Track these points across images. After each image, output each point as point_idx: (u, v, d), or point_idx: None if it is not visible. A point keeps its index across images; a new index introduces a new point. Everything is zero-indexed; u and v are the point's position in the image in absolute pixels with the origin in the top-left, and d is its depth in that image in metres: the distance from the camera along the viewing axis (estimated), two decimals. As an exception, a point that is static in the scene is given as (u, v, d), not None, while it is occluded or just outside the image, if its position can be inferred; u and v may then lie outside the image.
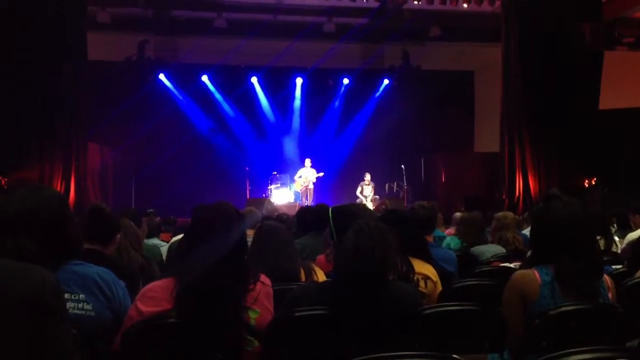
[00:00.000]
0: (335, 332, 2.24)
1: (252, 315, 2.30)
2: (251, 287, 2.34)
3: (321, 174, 14.56)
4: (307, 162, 14.66)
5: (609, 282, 2.61)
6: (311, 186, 14.51)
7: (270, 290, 2.44)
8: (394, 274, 2.58)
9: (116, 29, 13.98)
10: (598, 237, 4.59)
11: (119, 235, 3.17)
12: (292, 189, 14.85)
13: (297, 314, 2.28)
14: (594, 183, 12.35)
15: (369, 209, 6.67)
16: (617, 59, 12.98)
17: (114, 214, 3.19)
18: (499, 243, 4.90)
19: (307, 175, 14.53)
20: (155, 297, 2.26)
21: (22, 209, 2.01)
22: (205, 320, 2.18)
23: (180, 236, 4.44)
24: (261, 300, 2.35)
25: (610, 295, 2.57)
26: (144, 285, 2.44)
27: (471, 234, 5.35)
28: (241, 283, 2.32)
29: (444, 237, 5.99)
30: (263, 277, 2.44)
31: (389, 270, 2.36)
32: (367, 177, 14.60)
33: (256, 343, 2.28)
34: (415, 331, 2.40)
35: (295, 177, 14.72)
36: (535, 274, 2.53)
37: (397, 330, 2.28)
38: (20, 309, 1.48)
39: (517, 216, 6.92)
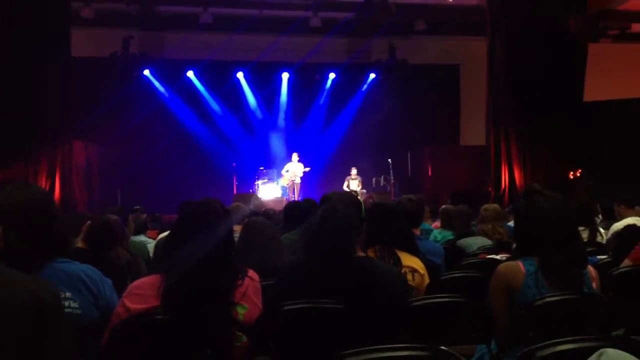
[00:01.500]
0: (327, 325, 2.25)
1: (240, 310, 2.30)
2: (239, 282, 2.34)
3: (308, 169, 14.56)
4: (294, 156, 14.66)
5: (592, 273, 2.64)
6: (298, 180, 14.51)
7: (258, 285, 2.45)
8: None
9: (100, 25, 13.86)
10: (582, 228, 4.64)
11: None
12: (279, 184, 14.85)
13: (285, 308, 2.28)
14: (579, 175, 12.44)
15: (348, 194, 6.69)
16: (601, 51, 13.07)
17: (121, 226, 3.20)
18: (484, 235, 4.92)
19: (294, 169, 14.53)
20: (142, 294, 2.25)
21: (8, 206, 2.01)
22: (193, 316, 2.17)
23: (167, 233, 4.42)
24: (249, 296, 2.35)
25: (594, 285, 2.60)
26: (131, 282, 2.43)
27: (455, 226, 5.39)
28: (229, 279, 2.32)
29: (431, 230, 6.01)
30: (251, 273, 2.44)
31: (343, 242, 2.41)
32: (354, 171, 14.63)
33: (244, 338, 2.28)
34: (406, 322, 2.42)
35: (283, 172, 14.71)
36: (519, 265, 2.55)
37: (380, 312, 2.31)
38: (23, 316, 1.44)
39: (502, 208, 6.97)
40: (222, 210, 2.45)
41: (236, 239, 3.51)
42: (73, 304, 2.10)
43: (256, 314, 2.33)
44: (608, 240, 5.00)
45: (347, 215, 2.45)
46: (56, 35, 11.64)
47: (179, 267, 2.24)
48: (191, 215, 2.43)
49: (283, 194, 14.57)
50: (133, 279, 2.51)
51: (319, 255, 2.38)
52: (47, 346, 1.47)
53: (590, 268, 2.65)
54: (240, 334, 2.28)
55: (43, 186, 10.56)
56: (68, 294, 2.10)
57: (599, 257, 4.00)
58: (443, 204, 7.91)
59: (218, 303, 2.24)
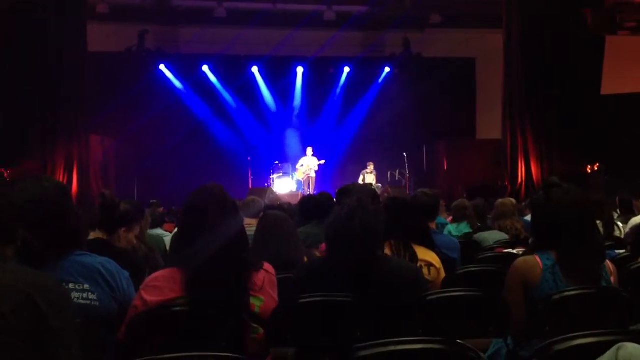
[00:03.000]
0: (342, 318, 2.26)
1: (257, 303, 2.30)
2: (255, 275, 2.35)
3: (322, 162, 14.55)
4: (309, 150, 14.66)
5: (611, 267, 2.61)
6: (313, 174, 14.51)
7: (274, 278, 2.45)
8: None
9: (116, 20, 13.95)
10: (597, 222, 4.60)
11: (123, 230, 3.17)
12: (294, 178, 14.87)
13: (301, 301, 2.29)
14: (596, 169, 12.33)
15: (368, 187, 6.67)
16: (618, 44, 12.92)
17: (124, 206, 3.21)
18: (500, 230, 4.90)
19: (308, 163, 14.53)
20: (159, 286, 2.26)
21: (25, 199, 2.05)
22: (214, 308, 2.18)
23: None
24: (266, 289, 2.36)
25: (612, 279, 2.57)
26: (149, 275, 2.45)
27: (467, 220, 5.39)
28: (243, 270, 2.32)
29: (447, 224, 6.00)
30: (267, 266, 2.45)
31: (372, 238, 2.40)
32: (370, 166, 14.58)
33: (260, 330, 2.29)
34: (422, 316, 2.43)
35: (297, 166, 14.73)
36: (537, 259, 2.53)
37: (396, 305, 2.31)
38: (10, 317, 1.33)
39: (519, 203, 6.93)
40: (222, 192, 2.43)
41: (251, 233, 3.53)
42: (92, 296, 2.12)
43: (272, 306, 2.34)
44: (626, 235, 4.95)
45: (376, 210, 2.45)
46: (72, 31, 11.73)
47: (195, 259, 2.24)
48: (195, 203, 2.42)
49: (298, 188, 14.59)
50: (151, 272, 2.53)
51: (346, 250, 2.38)
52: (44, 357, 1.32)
53: (609, 262, 2.63)
54: (256, 326, 2.29)
55: (60, 180, 10.66)
56: (86, 286, 2.12)
57: (617, 251, 3.96)
58: (458, 198, 7.88)
59: (235, 292, 2.24)
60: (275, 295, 2.40)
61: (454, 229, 5.69)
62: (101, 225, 3.03)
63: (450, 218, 6.83)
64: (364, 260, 2.36)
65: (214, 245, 2.25)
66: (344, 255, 2.38)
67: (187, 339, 2.19)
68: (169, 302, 2.22)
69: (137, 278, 2.55)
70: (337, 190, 2.95)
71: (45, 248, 2.05)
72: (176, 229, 2.60)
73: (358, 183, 4.40)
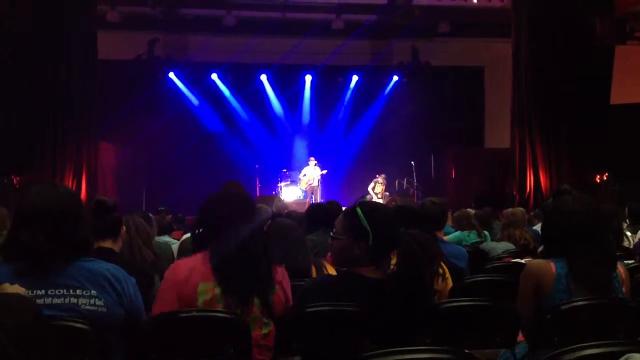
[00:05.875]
0: (347, 327, 2.25)
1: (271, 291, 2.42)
2: (275, 268, 2.47)
3: (324, 172, 14.52)
4: (312, 160, 14.65)
5: (623, 275, 2.59)
6: (316, 184, 14.49)
7: (289, 280, 2.54)
8: None
9: (126, 28, 14.04)
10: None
11: (124, 228, 3.17)
12: (300, 187, 14.88)
13: (309, 310, 2.29)
14: (605, 178, 12.27)
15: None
16: (628, 54, 12.88)
17: (117, 206, 3.20)
18: (508, 240, 4.87)
19: (311, 173, 14.51)
20: (186, 276, 2.36)
21: (37, 205, 2.10)
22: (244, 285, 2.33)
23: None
24: (283, 285, 2.47)
25: (624, 288, 2.56)
26: (160, 280, 2.48)
27: (472, 229, 5.40)
28: (268, 264, 2.45)
29: (453, 232, 5.97)
30: (282, 269, 2.54)
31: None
32: (382, 176, 14.52)
33: (270, 326, 2.35)
34: (429, 325, 2.41)
35: (300, 176, 14.72)
36: (551, 265, 2.51)
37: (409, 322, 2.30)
38: None
39: (527, 212, 6.90)
40: (244, 194, 2.68)
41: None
42: (98, 302, 2.13)
43: (283, 301, 2.43)
44: (635, 245, 4.93)
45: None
46: (83, 39, 11.81)
47: (223, 246, 2.38)
48: (220, 202, 2.57)
49: (305, 196, 14.58)
50: (160, 279, 2.54)
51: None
52: None
53: (621, 269, 2.60)
54: (267, 321, 2.36)
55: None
56: (93, 292, 2.13)
57: (626, 261, 3.94)
58: (467, 207, 7.86)
59: (264, 266, 2.42)
60: (289, 293, 2.49)
61: (465, 237, 5.65)
62: (102, 232, 3.02)
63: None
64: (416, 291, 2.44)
65: (240, 235, 2.39)
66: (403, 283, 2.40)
67: (196, 346, 2.20)
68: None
69: (147, 285, 2.56)
70: (364, 207, 2.56)
71: (55, 254, 2.07)
72: (195, 225, 2.65)
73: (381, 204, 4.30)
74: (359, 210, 2.37)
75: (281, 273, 2.49)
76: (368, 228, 2.32)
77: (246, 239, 2.40)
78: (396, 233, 2.41)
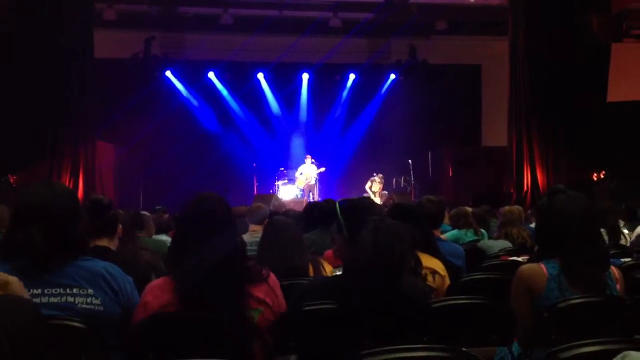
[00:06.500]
0: (345, 327, 2.24)
1: (255, 314, 2.27)
2: (256, 287, 2.30)
3: (322, 169, 14.52)
4: (308, 159, 14.64)
5: (616, 274, 2.60)
6: (313, 182, 14.50)
7: (279, 290, 2.41)
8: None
9: (122, 26, 14.02)
10: (602, 230, 4.60)
11: (120, 226, 3.17)
12: (298, 186, 14.88)
13: (307, 308, 2.28)
14: (602, 176, 12.29)
15: (377, 204, 6.66)
16: (625, 51, 12.90)
17: (112, 204, 3.19)
18: (505, 238, 4.88)
19: (307, 171, 14.51)
20: (156, 294, 2.25)
21: (34, 203, 2.10)
22: (208, 319, 2.17)
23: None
24: (266, 300, 2.31)
25: (618, 287, 2.56)
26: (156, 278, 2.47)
27: (469, 227, 5.41)
28: (240, 280, 2.26)
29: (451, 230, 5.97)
30: (271, 277, 2.39)
31: (404, 268, 2.34)
32: (380, 176, 14.51)
33: (257, 342, 2.28)
34: (425, 326, 2.40)
35: (297, 174, 14.70)
36: (542, 267, 2.52)
37: (407, 326, 2.27)
38: None
39: (524, 210, 6.91)
40: (222, 210, 2.36)
41: (257, 239, 3.53)
42: (95, 301, 2.13)
43: (271, 318, 2.30)
44: (632, 243, 4.94)
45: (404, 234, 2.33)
46: (79, 37, 11.79)
47: (189, 273, 2.20)
48: (191, 216, 2.37)
49: (303, 195, 14.59)
50: (157, 277, 2.54)
51: (378, 281, 2.22)
52: None
53: (614, 269, 2.61)
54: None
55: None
56: (90, 291, 2.13)
57: (622, 259, 3.95)
58: (463, 205, 7.87)
59: (232, 306, 2.19)
60: (281, 298, 2.38)
61: (462, 236, 5.66)
62: (99, 231, 3.01)
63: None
64: (389, 282, 2.24)
65: (210, 257, 2.20)
66: (375, 284, 2.22)
67: (194, 348, 2.19)
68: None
69: (144, 283, 2.56)
70: (343, 203, 2.67)
71: (52, 252, 2.07)
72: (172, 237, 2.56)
73: (365, 198, 4.28)
74: (337, 206, 2.49)
75: (264, 289, 2.31)
76: (342, 222, 2.45)
77: (214, 266, 2.20)
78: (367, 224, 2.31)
